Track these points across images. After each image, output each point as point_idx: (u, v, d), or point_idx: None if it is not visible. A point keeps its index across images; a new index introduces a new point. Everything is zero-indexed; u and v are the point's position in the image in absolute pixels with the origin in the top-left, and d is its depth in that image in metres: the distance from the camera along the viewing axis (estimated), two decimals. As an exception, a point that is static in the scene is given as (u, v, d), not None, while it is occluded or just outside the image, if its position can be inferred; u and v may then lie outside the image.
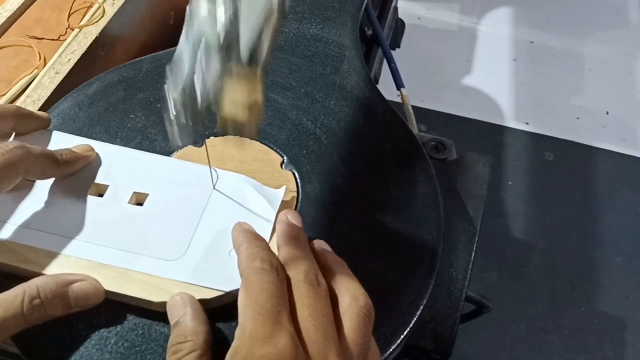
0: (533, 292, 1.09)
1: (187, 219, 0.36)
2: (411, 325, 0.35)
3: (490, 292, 0.99)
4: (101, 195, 0.37)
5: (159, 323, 0.34)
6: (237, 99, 0.28)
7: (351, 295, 0.31)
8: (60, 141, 0.39)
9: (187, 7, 0.28)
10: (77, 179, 0.38)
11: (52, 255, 0.34)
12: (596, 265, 1.12)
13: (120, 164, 0.39)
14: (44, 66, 0.48)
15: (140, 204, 0.37)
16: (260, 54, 0.32)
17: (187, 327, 0.30)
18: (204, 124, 0.42)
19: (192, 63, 0.27)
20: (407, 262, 0.37)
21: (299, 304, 0.30)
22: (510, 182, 1.23)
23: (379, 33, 0.65)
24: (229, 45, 0.27)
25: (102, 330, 0.33)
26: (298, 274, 0.31)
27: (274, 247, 0.34)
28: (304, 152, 0.42)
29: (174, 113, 0.27)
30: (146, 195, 0.37)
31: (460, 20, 1.56)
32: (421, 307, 0.35)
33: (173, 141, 0.29)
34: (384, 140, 0.43)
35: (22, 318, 0.30)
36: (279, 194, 0.37)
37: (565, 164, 1.27)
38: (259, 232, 0.35)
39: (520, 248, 1.14)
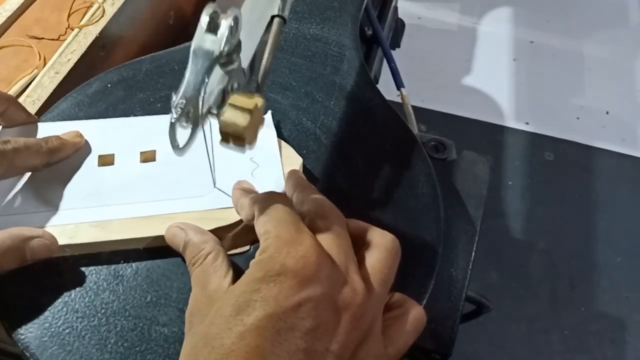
0: (533, 292, 1.09)
1: (201, 159, 0.39)
2: (411, 325, 0.35)
3: (490, 292, 0.99)
4: (112, 164, 0.39)
5: (158, 323, 0.34)
6: (237, 104, 0.29)
7: (379, 234, 0.33)
8: (48, 132, 0.40)
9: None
10: (82, 154, 0.39)
11: (96, 226, 0.36)
12: (596, 265, 1.12)
13: (118, 133, 0.41)
14: (44, 66, 0.48)
15: (150, 161, 0.39)
16: (260, 63, 0.32)
17: (195, 242, 0.33)
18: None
19: (193, 70, 0.27)
20: (407, 262, 0.37)
21: (319, 232, 0.32)
22: (510, 182, 1.23)
23: (379, 33, 0.65)
24: (229, 54, 0.27)
25: (102, 330, 0.33)
26: (313, 206, 0.33)
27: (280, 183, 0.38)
28: (304, 152, 0.42)
29: (175, 117, 0.27)
30: (153, 151, 0.39)
31: (460, 20, 1.56)
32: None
33: (173, 144, 0.29)
34: (384, 140, 0.43)
35: None
36: (268, 117, 0.41)
37: (565, 164, 1.27)
38: (267, 151, 0.39)
39: (520, 248, 1.14)
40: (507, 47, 1.50)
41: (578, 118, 1.36)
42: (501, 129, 1.32)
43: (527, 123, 1.34)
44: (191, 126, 0.28)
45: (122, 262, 0.35)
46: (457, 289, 0.42)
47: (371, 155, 0.42)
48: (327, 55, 0.49)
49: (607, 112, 1.37)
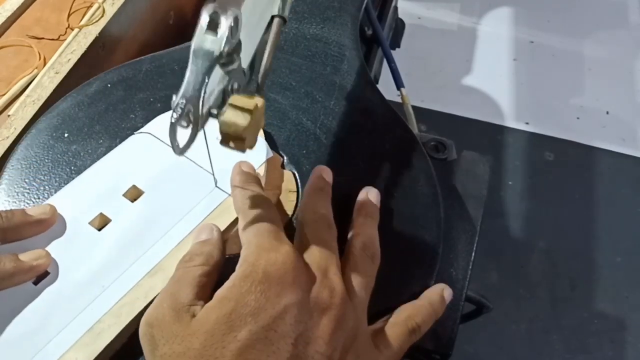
0: (533, 292, 1.09)
1: (180, 164, 0.39)
2: (411, 325, 0.35)
3: (490, 292, 0.99)
4: (109, 221, 0.37)
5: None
6: (237, 104, 0.29)
7: (361, 240, 0.34)
8: None
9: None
10: (74, 231, 0.36)
11: (154, 273, 0.34)
12: (596, 265, 1.12)
13: (88, 192, 0.38)
14: (44, 66, 0.48)
15: (138, 196, 0.38)
16: (261, 63, 0.32)
17: (206, 247, 0.33)
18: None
19: (193, 70, 0.27)
20: (407, 262, 0.37)
21: (305, 235, 0.33)
22: (510, 182, 1.23)
23: (379, 33, 0.65)
24: (229, 54, 0.27)
25: (102, 330, 0.33)
26: (307, 213, 0.35)
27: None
28: (304, 152, 0.42)
29: (175, 117, 0.27)
30: (134, 187, 0.38)
31: (460, 20, 1.56)
32: (421, 307, 0.35)
33: (173, 145, 0.29)
34: (384, 140, 0.43)
35: None
36: None
37: (565, 164, 1.27)
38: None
39: (520, 248, 1.14)
40: (507, 47, 1.50)
41: (578, 118, 1.36)
42: (501, 129, 1.32)
43: (527, 123, 1.34)
44: (191, 126, 0.28)
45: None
46: (457, 289, 0.42)
47: (371, 155, 0.42)
48: (327, 55, 0.49)
49: (607, 112, 1.37)
